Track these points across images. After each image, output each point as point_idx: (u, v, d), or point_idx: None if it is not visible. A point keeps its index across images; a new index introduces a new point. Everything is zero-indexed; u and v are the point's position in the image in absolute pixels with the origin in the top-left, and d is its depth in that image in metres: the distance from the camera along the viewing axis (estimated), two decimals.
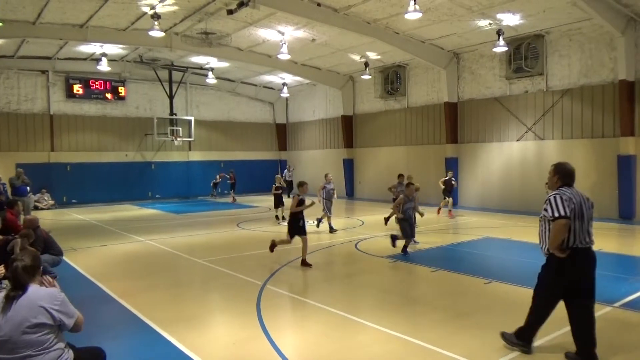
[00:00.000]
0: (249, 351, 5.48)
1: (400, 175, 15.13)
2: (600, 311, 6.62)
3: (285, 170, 26.88)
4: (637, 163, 15.51)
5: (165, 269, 9.87)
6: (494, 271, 9.33)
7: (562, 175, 5.06)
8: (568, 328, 5.19)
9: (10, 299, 3.42)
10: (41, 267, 3.82)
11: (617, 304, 6.93)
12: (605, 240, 11.78)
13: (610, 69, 16.10)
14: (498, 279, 8.43)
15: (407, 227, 10.63)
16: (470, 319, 6.44)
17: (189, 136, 25.96)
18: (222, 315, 6.93)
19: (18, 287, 3.48)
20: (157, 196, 26.35)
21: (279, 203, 16.87)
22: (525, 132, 18.60)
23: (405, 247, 10.58)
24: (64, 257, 8.53)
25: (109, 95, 24.82)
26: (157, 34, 15.85)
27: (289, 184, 26.07)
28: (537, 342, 5.42)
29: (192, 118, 26.30)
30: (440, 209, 18.01)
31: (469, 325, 6.16)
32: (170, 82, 25.63)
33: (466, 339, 5.70)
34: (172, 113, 25.69)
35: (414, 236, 11.05)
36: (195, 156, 27.95)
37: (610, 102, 16.18)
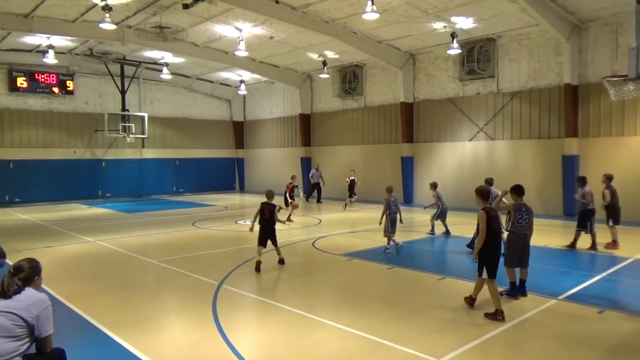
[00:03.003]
0: (205, 352, 5.37)
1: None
2: (546, 304, 6.94)
3: (313, 170, 23.36)
4: (580, 162, 16.34)
5: (116, 270, 9.53)
6: (447, 267, 9.59)
7: None
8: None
9: None
10: None
11: (561, 297, 7.27)
12: (551, 236, 12.34)
13: (556, 73, 16.88)
14: (451, 275, 8.67)
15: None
16: (425, 314, 6.58)
17: (142, 133, 25.19)
18: (177, 317, 6.76)
19: None
20: (107, 195, 25.42)
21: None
22: (477, 133, 19.22)
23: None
24: (6, 260, 8.07)
25: (56, 90, 23.67)
26: (108, 26, 15.24)
27: (315, 186, 22.95)
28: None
29: (145, 114, 25.51)
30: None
31: (423, 321, 6.29)
32: (122, 76, 24.77)
33: (420, 334, 5.82)
34: (124, 109, 24.83)
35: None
36: (149, 154, 27.16)
37: (556, 105, 16.97)
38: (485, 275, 6.38)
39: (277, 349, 5.45)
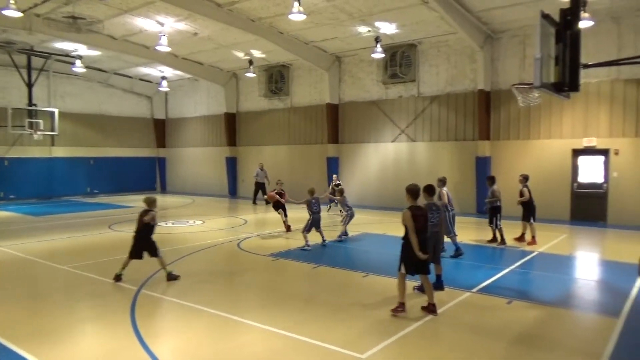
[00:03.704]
0: None
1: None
2: (461, 297, 7.34)
3: (257, 170, 22.05)
4: (492, 163, 17.50)
5: (22, 278, 8.78)
6: (371, 265, 9.84)
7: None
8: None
9: None
10: None
11: (474, 290, 7.73)
12: (465, 232, 13.09)
13: (471, 79, 17.95)
14: (374, 272, 8.91)
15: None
16: (349, 311, 6.70)
17: (52, 130, 23.35)
18: (91, 326, 6.34)
19: None
20: (11, 197, 23.27)
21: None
22: (399, 134, 19.95)
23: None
24: None
25: None
26: (13, 13, 13.95)
27: (260, 186, 21.77)
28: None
29: (55, 110, 23.66)
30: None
31: (347, 318, 6.41)
32: (29, 68, 22.85)
33: (345, 330, 5.92)
34: (30, 103, 22.89)
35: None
36: (60, 152, 25.26)
37: (470, 109, 18.04)
38: (403, 270, 6.53)
39: (200, 354, 5.29)
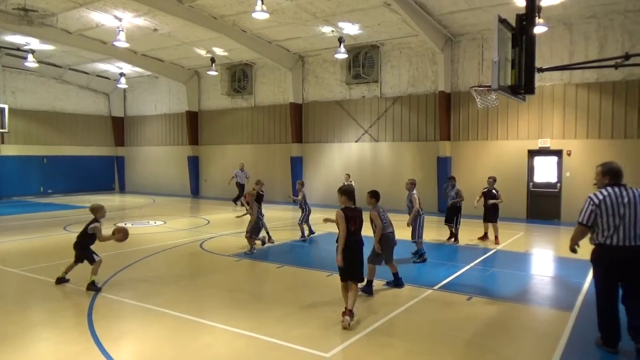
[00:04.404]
0: None
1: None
2: (423, 294, 7.48)
3: (237, 170, 21.40)
4: (452, 163, 17.92)
5: None
6: (334, 264, 9.85)
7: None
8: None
9: None
10: None
11: (436, 287, 7.89)
12: (427, 231, 13.32)
13: (432, 80, 18.33)
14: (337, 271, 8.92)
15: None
16: (313, 310, 6.71)
17: (2, 127, 22.25)
18: (45, 331, 6.07)
19: None
20: None
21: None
22: (363, 134, 20.14)
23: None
24: None
25: None
26: None
27: (241, 187, 20.98)
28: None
29: (5, 106, 22.56)
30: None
31: (312, 317, 6.41)
32: None
33: (309, 330, 5.92)
34: None
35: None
36: (10, 150, 24.11)
37: (432, 110, 18.42)
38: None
39: (161, 356, 5.17)
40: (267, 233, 11.76)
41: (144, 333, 5.95)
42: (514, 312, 6.81)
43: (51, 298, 7.32)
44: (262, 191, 13.06)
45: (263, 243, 11.21)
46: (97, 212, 7.92)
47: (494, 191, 11.84)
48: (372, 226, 7.49)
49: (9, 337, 5.67)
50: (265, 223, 11.49)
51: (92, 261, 7.79)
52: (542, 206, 16.39)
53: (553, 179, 16.25)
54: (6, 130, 22.54)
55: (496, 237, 11.82)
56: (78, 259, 7.91)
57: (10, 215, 17.62)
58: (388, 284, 7.83)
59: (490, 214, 11.88)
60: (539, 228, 14.74)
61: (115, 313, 6.68)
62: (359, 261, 6.28)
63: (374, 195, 7.55)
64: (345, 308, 6.07)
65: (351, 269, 6.20)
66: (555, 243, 12.78)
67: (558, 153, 16.05)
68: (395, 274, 7.79)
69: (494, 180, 11.98)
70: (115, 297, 7.28)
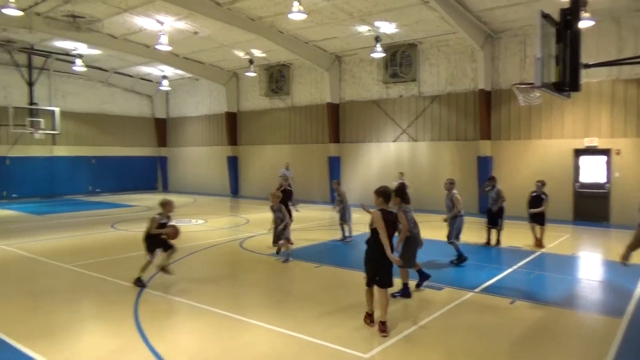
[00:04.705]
0: None
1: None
2: (464, 296, 7.35)
3: (282, 170, 20.28)
4: (493, 163, 17.50)
5: (25, 277, 8.79)
6: None
7: None
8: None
9: None
10: None
11: (477, 290, 7.73)
12: (467, 232, 13.07)
13: (472, 78, 17.95)
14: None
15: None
16: (351, 310, 6.70)
17: (53, 129, 23.36)
18: (94, 325, 6.35)
19: None
20: (13, 196, 23.32)
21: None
22: (400, 134, 19.95)
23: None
24: None
25: None
26: (13, 12, 13.97)
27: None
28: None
29: (56, 109, 23.66)
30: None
31: (350, 317, 6.40)
32: (30, 67, 22.87)
33: (347, 330, 5.92)
34: (32, 102, 22.92)
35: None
36: (61, 151, 25.29)
37: (471, 109, 18.03)
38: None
39: (203, 354, 5.30)
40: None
41: (187, 329, 6.12)
42: (559, 317, 6.59)
43: (99, 293, 7.64)
44: (289, 186, 12.78)
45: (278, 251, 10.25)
46: (165, 206, 8.07)
47: (542, 195, 11.24)
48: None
49: (59, 330, 5.95)
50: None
51: (167, 247, 8.02)
52: (590, 207, 15.75)
53: (601, 179, 15.59)
54: (57, 132, 23.64)
55: (540, 240, 11.41)
56: (150, 250, 7.97)
57: (62, 213, 18.49)
58: (394, 296, 7.15)
59: (539, 217, 11.30)
60: (586, 230, 14.19)
61: (159, 309, 6.89)
62: (388, 266, 5.89)
63: (398, 194, 7.35)
64: (367, 313, 6.01)
65: (379, 274, 5.85)
66: (604, 246, 12.28)
67: (606, 152, 15.39)
68: (405, 284, 7.34)
69: (543, 184, 11.33)
70: (159, 294, 7.52)
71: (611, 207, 15.30)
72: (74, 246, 11.71)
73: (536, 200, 11.34)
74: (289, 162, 21.94)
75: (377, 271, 5.87)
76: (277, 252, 10.27)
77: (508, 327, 6.08)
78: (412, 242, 7.40)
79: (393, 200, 7.05)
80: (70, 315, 6.58)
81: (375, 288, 5.95)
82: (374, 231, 5.88)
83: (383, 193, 6.11)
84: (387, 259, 5.78)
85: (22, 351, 5.26)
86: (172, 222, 8.10)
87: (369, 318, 6.03)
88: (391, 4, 15.27)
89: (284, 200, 11.26)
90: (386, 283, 5.89)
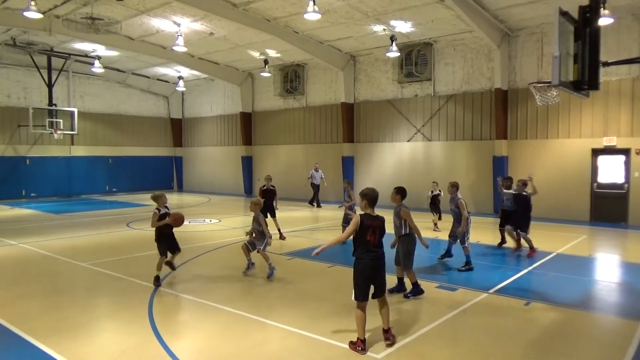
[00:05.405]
0: (140, 358, 5.16)
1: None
2: (478, 297, 7.27)
3: (312, 171, 20.63)
4: (509, 163, 17.30)
5: (43, 274, 8.94)
6: (387, 265, 9.76)
7: None
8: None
9: None
10: None
11: (492, 290, 7.65)
12: (482, 233, 12.96)
13: (488, 78, 17.76)
14: (390, 272, 8.84)
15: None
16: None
17: (72, 129, 23.76)
18: (109, 322, 6.44)
19: None
20: (32, 195, 23.80)
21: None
22: (415, 134, 19.83)
23: None
24: None
25: None
26: (33, 15, 14.26)
27: (316, 188, 20.39)
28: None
29: (75, 109, 24.07)
30: None
31: None
32: (50, 69, 23.26)
33: None
34: (51, 103, 23.32)
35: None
36: (79, 151, 25.72)
37: (487, 108, 17.85)
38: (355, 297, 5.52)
39: (217, 352, 5.34)
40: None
41: (200, 327, 6.17)
42: (576, 319, 6.49)
43: (115, 291, 7.74)
44: (272, 186, 12.27)
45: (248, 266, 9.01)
46: (158, 199, 8.29)
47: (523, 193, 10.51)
48: (397, 224, 7.26)
49: (76, 327, 6.05)
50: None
51: (174, 250, 8.18)
52: (608, 208, 15.47)
53: (620, 179, 15.30)
54: (76, 132, 24.05)
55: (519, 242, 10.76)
56: (163, 252, 8.07)
57: (79, 212, 18.80)
58: (406, 296, 7.20)
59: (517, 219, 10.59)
60: (603, 231, 13.93)
61: (173, 307, 6.97)
62: (380, 278, 5.48)
63: (399, 192, 7.21)
64: (360, 339, 5.20)
65: (373, 288, 5.42)
66: (622, 247, 12.05)
67: (626, 152, 15.10)
68: (400, 279, 7.42)
69: (524, 184, 10.56)
70: (174, 292, 7.60)
71: (630, 207, 15.00)
72: (90, 245, 11.90)
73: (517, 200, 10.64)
74: (319, 162, 21.46)
75: (374, 280, 5.45)
76: (247, 269, 8.96)
77: (523, 328, 6.00)
78: (410, 240, 7.28)
79: (393, 197, 7.16)
80: (86, 313, 6.68)
81: (377, 300, 5.47)
82: (354, 241, 5.50)
83: (367, 195, 5.47)
84: (377, 273, 5.47)
85: (40, 348, 5.36)
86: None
87: (363, 344, 5.19)
88: (407, 2, 15.19)
89: (267, 201, 10.89)
90: (384, 286, 5.57)
